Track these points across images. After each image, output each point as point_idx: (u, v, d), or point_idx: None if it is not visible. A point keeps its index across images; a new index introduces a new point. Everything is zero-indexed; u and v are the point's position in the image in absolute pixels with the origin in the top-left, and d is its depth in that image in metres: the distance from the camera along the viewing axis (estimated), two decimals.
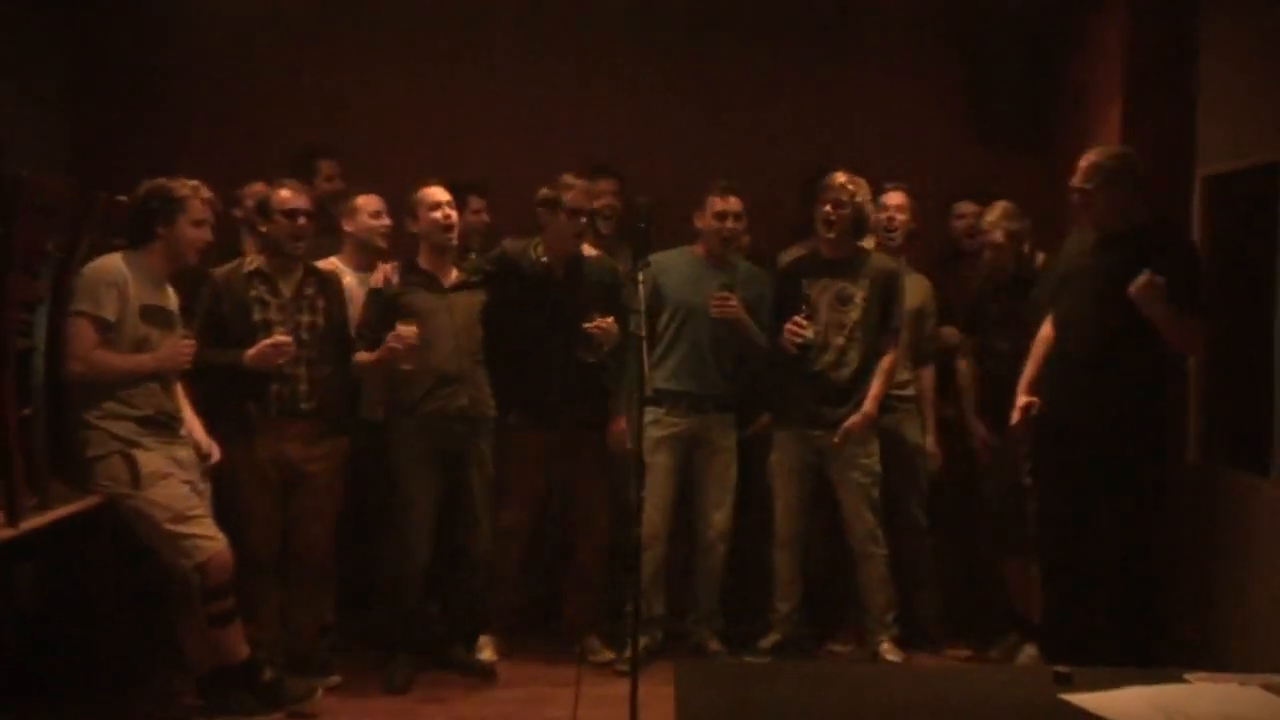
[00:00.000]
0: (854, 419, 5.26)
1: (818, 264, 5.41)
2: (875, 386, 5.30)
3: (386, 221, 5.44)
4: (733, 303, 5.31)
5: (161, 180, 4.60)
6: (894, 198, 5.68)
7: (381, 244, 5.44)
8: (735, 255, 5.57)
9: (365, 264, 5.39)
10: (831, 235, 5.32)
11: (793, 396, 5.39)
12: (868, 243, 5.57)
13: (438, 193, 5.17)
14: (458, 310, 5.17)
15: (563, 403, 5.30)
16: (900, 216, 5.68)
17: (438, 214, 5.14)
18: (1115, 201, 4.68)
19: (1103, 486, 4.64)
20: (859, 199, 5.29)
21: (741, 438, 5.60)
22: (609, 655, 5.40)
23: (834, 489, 5.38)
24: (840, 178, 5.29)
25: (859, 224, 5.36)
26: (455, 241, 5.22)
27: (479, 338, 5.22)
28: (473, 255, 5.61)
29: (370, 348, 5.06)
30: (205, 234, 4.64)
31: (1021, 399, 4.92)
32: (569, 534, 5.56)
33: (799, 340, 5.24)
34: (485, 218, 5.98)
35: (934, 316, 5.75)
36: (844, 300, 5.33)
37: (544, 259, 5.31)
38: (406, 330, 4.94)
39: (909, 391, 5.63)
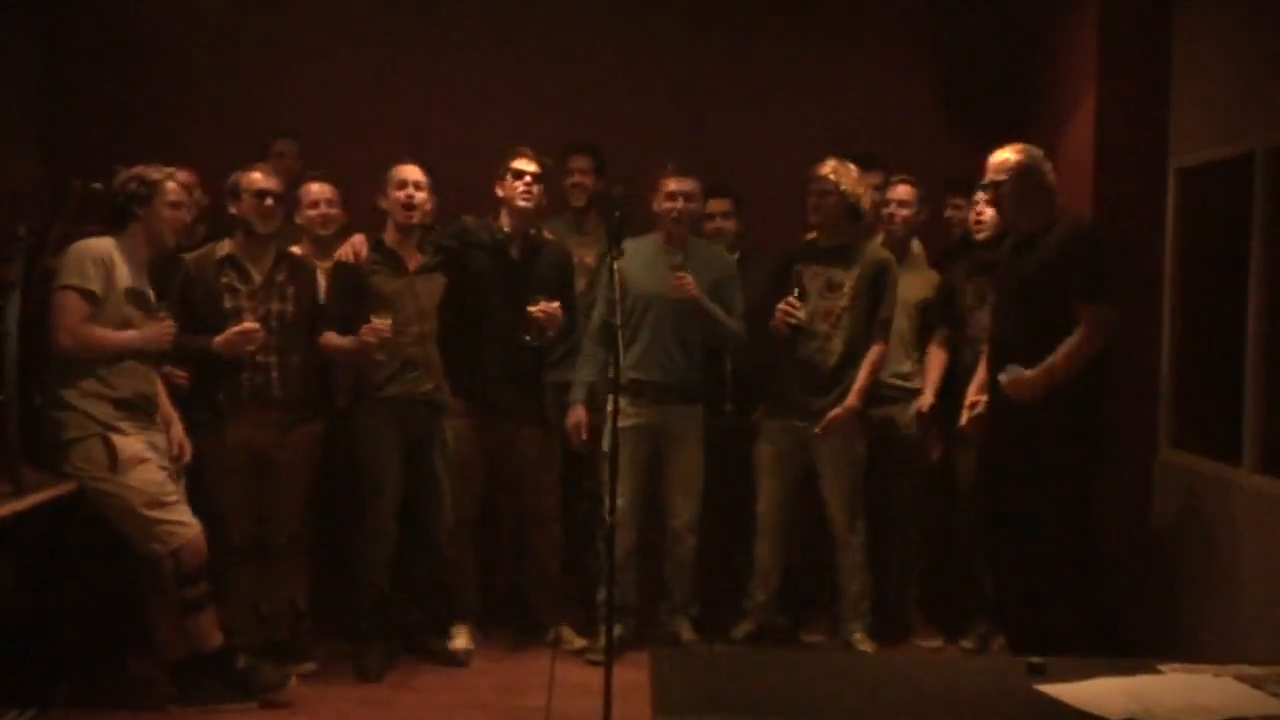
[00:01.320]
0: (836, 410, 5.26)
1: (812, 250, 5.41)
2: (861, 378, 5.30)
3: (326, 212, 5.45)
4: (688, 281, 5.26)
5: (139, 166, 4.61)
6: (897, 191, 5.69)
7: (324, 232, 5.44)
8: (695, 238, 5.54)
9: (319, 253, 5.39)
10: (816, 221, 5.32)
11: (777, 385, 5.39)
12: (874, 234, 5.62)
13: (407, 171, 5.17)
14: (421, 294, 5.16)
15: (501, 388, 5.28)
16: (902, 211, 5.68)
17: (400, 193, 5.13)
18: (1023, 199, 4.71)
19: (1037, 482, 4.64)
20: (844, 186, 5.28)
21: (739, 426, 5.57)
22: (581, 643, 5.40)
23: (817, 478, 5.38)
24: (824, 167, 5.28)
25: (851, 211, 5.32)
26: (414, 221, 5.19)
27: (437, 322, 5.21)
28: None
29: (337, 327, 5.05)
30: (182, 215, 4.70)
31: (970, 398, 4.97)
32: (521, 527, 5.56)
33: (792, 321, 5.24)
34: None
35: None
36: (832, 287, 5.32)
37: (504, 231, 5.31)
38: (381, 323, 4.94)
39: (913, 384, 5.62)
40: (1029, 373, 4.58)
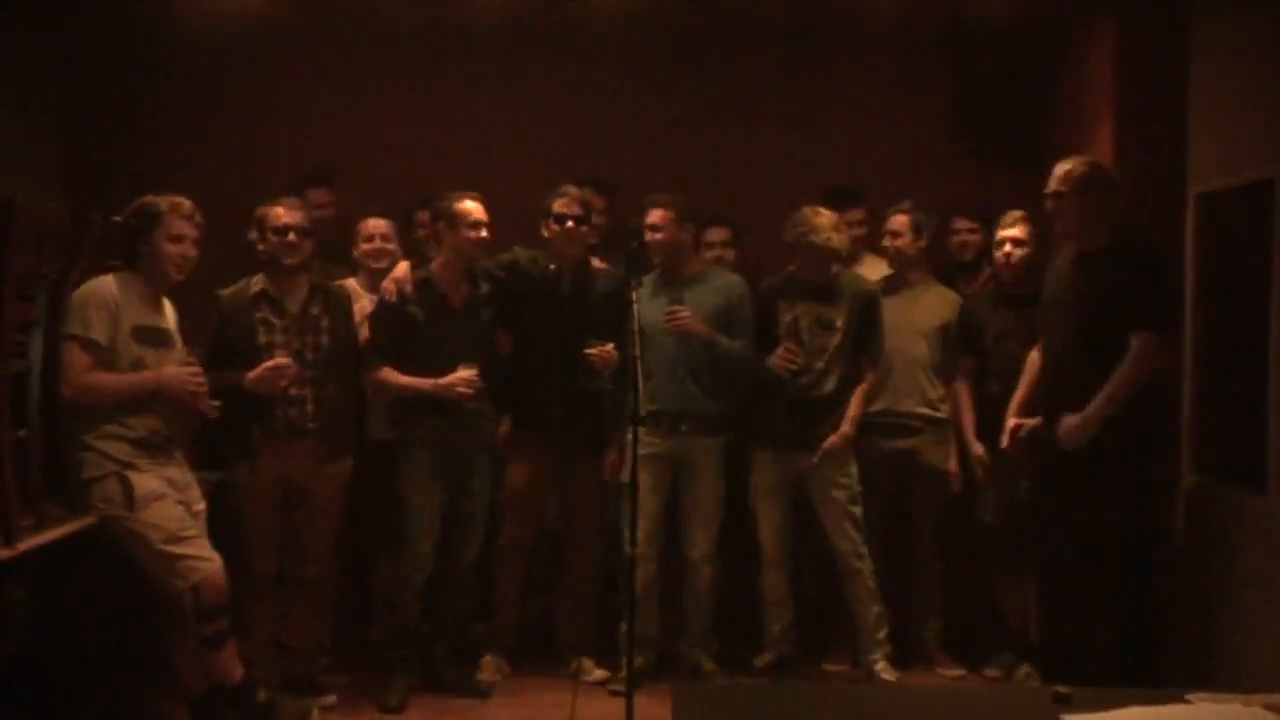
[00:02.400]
0: (832, 439, 5.29)
1: (796, 288, 5.42)
2: (854, 407, 5.35)
3: (381, 246, 5.51)
4: (683, 315, 5.27)
5: (145, 198, 4.59)
6: (894, 221, 5.69)
7: (378, 266, 5.47)
8: (701, 266, 5.56)
9: (373, 286, 5.44)
10: (802, 271, 5.39)
11: (769, 418, 5.40)
12: (879, 263, 5.67)
13: (477, 209, 5.17)
14: (468, 330, 5.17)
15: (563, 423, 5.30)
16: (897, 242, 5.68)
17: (473, 234, 5.14)
18: (1086, 211, 4.70)
19: (1097, 505, 4.65)
20: (817, 240, 5.28)
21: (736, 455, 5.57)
22: (602, 675, 5.38)
23: (815, 509, 5.39)
24: (799, 225, 5.30)
25: (833, 256, 5.36)
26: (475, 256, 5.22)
27: (483, 357, 5.20)
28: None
29: (388, 362, 5.07)
30: (185, 249, 4.56)
31: (1011, 421, 4.95)
32: (565, 554, 5.55)
33: (793, 368, 5.28)
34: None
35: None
36: (825, 325, 5.36)
37: (552, 267, 5.32)
38: (469, 373, 5.00)
39: (940, 414, 5.61)
40: (1077, 420, 4.58)
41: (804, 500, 5.42)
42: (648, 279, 5.44)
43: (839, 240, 5.35)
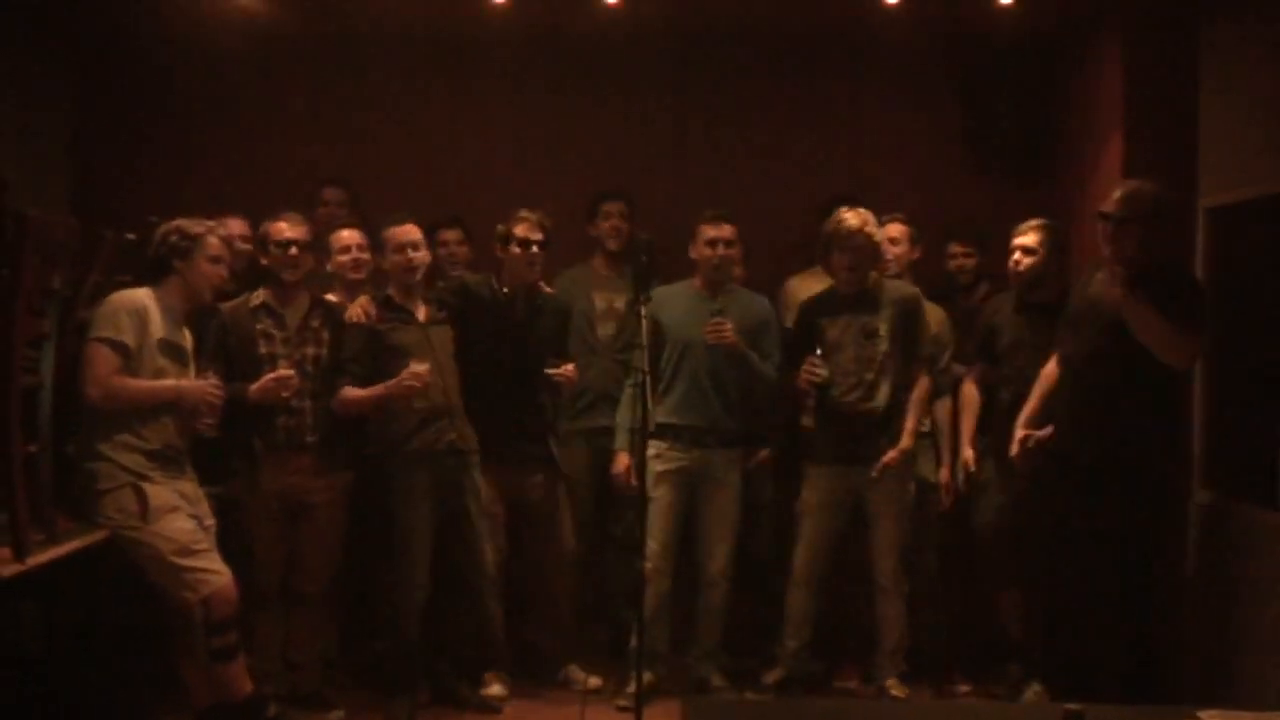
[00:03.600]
0: (891, 454, 5.22)
1: (835, 301, 5.37)
2: (910, 420, 5.29)
3: (357, 257, 5.46)
4: (726, 328, 5.28)
5: (181, 219, 4.65)
6: (890, 230, 5.68)
7: (354, 277, 5.46)
8: (731, 283, 5.57)
9: (352, 299, 5.42)
10: (849, 276, 5.30)
11: (825, 432, 5.35)
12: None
13: (404, 233, 5.20)
14: (437, 345, 5.19)
15: (509, 439, 5.33)
16: (895, 249, 5.69)
17: (399, 256, 5.17)
18: (1146, 237, 4.65)
19: (1107, 522, 4.63)
20: (875, 239, 5.27)
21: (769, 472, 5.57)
22: (594, 682, 5.37)
23: (868, 524, 5.32)
24: (852, 221, 5.22)
25: (876, 258, 5.34)
26: (416, 279, 5.24)
27: (456, 371, 5.23)
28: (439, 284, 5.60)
29: (359, 383, 5.07)
30: (221, 271, 4.70)
31: (1020, 432, 4.93)
32: (540, 571, 5.54)
33: (816, 380, 5.23)
34: (465, 249, 5.98)
35: (950, 347, 5.71)
36: (869, 334, 5.28)
37: (505, 290, 5.37)
38: (420, 368, 4.97)
39: (924, 427, 5.59)
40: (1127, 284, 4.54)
41: (855, 517, 5.35)
42: (675, 291, 5.47)
43: (875, 231, 5.27)
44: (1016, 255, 5.38)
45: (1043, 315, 5.19)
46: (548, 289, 5.56)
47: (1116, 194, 4.71)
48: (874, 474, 5.21)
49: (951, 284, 5.98)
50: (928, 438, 5.62)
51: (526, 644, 5.58)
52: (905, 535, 5.33)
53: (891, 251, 5.66)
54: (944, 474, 5.61)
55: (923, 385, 5.35)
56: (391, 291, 5.24)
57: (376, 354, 5.09)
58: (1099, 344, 4.71)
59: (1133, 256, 4.61)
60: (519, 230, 5.31)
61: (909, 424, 5.28)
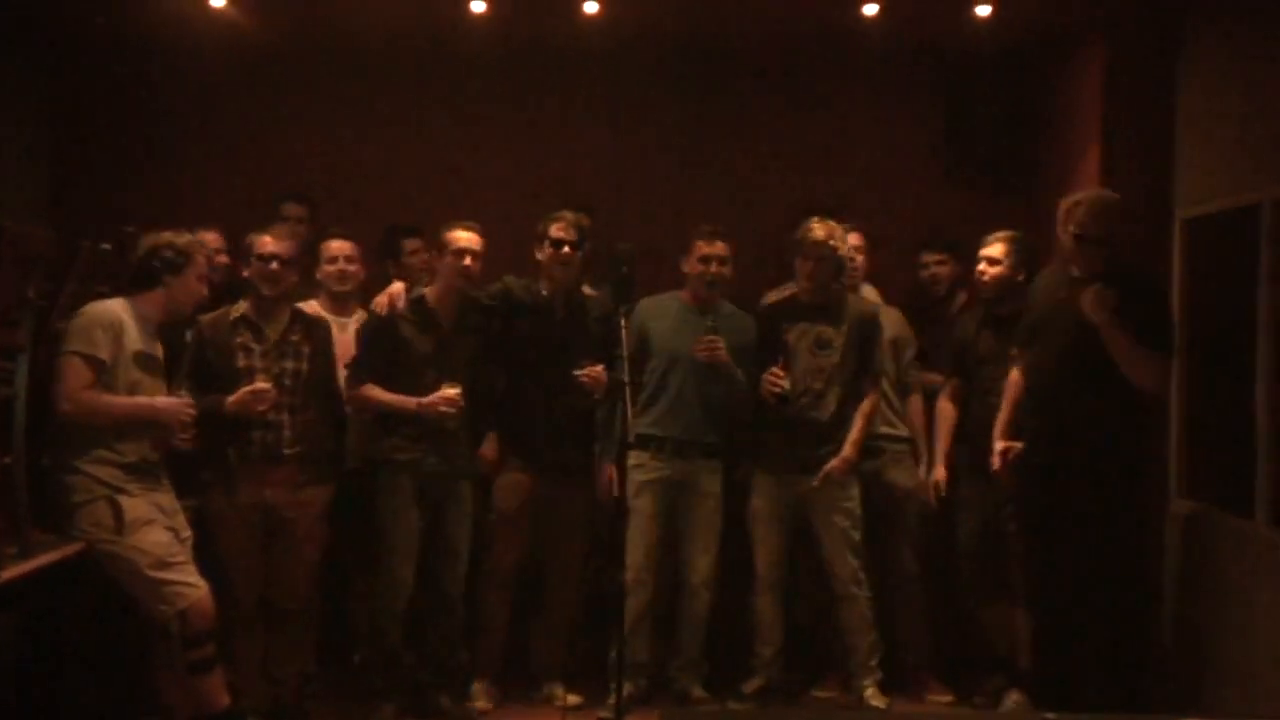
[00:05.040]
0: (834, 462, 5.27)
1: (796, 308, 5.41)
2: (855, 430, 5.32)
3: (345, 268, 5.46)
4: (719, 346, 5.27)
5: (167, 233, 4.64)
6: (853, 238, 5.67)
7: (340, 289, 5.45)
8: (720, 299, 5.56)
9: (338, 309, 5.44)
10: (810, 285, 5.33)
11: (771, 441, 5.38)
12: (874, 293, 5.66)
13: (465, 239, 5.17)
14: (451, 357, 5.15)
15: (548, 445, 5.29)
16: (859, 257, 5.70)
17: (457, 261, 5.14)
18: (1113, 245, 4.68)
19: (1086, 528, 4.64)
20: (840, 251, 5.30)
21: (726, 484, 5.56)
22: (575, 700, 5.33)
23: (815, 532, 5.36)
24: (818, 232, 5.26)
25: (839, 270, 5.38)
26: (466, 286, 5.20)
27: (468, 383, 5.18)
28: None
29: (373, 379, 5.05)
30: (203, 289, 4.73)
31: (999, 444, 4.94)
32: (547, 579, 5.51)
33: (776, 390, 5.23)
34: (421, 258, 5.90)
35: (912, 347, 5.73)
36: (822, 345, 5.33)
37: (544, 293, 5.32)
38: (452, 391, 4.98)
39: (899, 431, 5.62)
40: (1097, 295, 4.56)
41: (804, 524, 5.39)
42: (664, 303, 5.47)
43: (841, 244, 5.31)
44: (982, 265, 5.40)
45: (1012, 327, 5.18)
46: (590, 291, 5.51)
47: (1083, 209, 4.71)
48: (814, 483, 5.25)
49: (925, 294, 5.99)
50: (902, 444, 5.63)
51: (520, 650, 5.56)
52: (856, 543, 5.34)
53: (856, 261, 5.68)
54: (937, 472, 5.56)
55: (871, 400, 5.37)
56: (426, 293, 5.21)
57: (394, 354, 5.08)
58: (1064, 351, 4.72)
59: (1101, 271, 4.66)
60: (553, 230, 5.26)
61: (853, 435, 5.31)
